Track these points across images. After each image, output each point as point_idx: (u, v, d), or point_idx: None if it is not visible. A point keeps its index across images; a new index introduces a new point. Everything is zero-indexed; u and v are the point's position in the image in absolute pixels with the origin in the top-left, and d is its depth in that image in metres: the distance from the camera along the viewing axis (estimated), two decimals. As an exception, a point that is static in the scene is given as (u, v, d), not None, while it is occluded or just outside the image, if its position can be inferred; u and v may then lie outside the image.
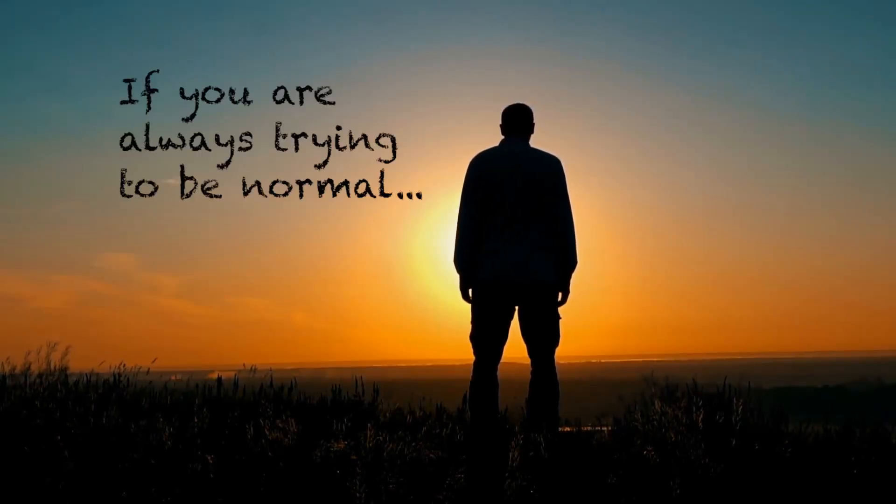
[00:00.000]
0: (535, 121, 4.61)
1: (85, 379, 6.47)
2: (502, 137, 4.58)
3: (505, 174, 4.39)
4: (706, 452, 3.89)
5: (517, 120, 4.58)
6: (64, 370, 6.73)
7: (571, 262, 4.45)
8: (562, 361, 4.63)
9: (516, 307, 4.47)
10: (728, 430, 4.20)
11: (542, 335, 4.45)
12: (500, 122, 4.61)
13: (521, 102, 4.63)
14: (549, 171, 4.43)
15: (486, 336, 4.45)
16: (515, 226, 4.36)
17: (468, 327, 4.54)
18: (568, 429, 4.85)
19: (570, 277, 4.48)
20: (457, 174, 4.58)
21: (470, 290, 4.50)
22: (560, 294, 4.49)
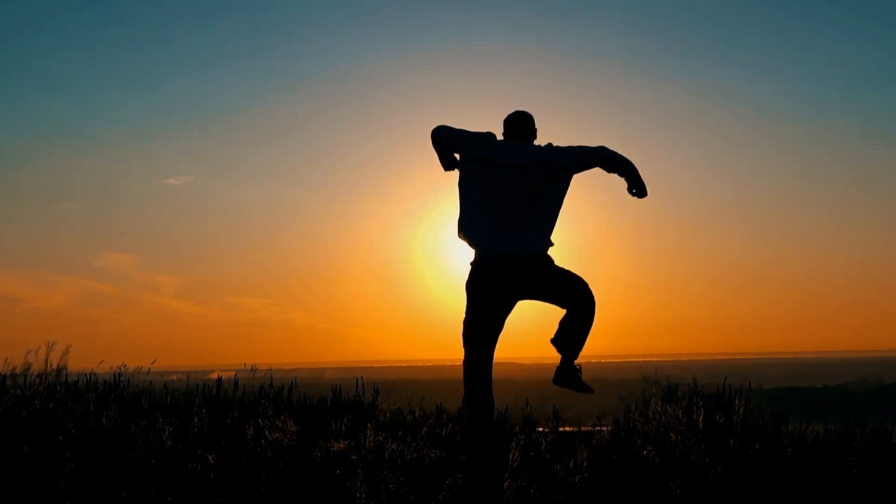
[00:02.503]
0: (536, 126, 4.61)
1: (85, 379, 6.46)
2: None
3: (504, 168, 4.40)
4: (706, 452, 3.89)
5: (517, 127, 4.60)
6: (63, 370, 6.73)
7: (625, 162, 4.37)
8: (562, 361, 4.62)
9: (513, 302, 4.44)
10: (728, 431, 4.20)
11: (568, 287, 4.35)
12: (497, 122, 4.63)
13: (521, 110, 4.65)
14: (551, 160, 4.42)
15: (480, 327, 4.40)
16: (510, 218, 4.36)
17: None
18: (568, 429, 4.85)
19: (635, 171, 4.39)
20: (456, 174, 4.57)
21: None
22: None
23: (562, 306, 4.39)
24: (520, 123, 4.61)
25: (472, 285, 4.44)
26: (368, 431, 3.91)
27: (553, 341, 4.31)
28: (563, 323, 4.36)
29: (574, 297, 4.37)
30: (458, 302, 4.59)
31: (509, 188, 4.43)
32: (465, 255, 4.65)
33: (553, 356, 4.55)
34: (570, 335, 4.32)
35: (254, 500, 3.55)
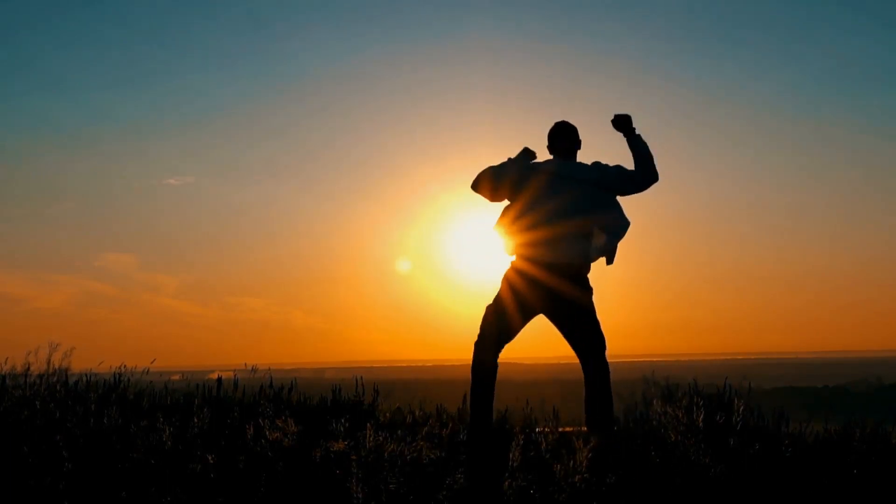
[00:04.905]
0: (580, 137, 4.65)
1: (85, 379, 6.46)
2: (549, 157, 4.65)
3: (549, 182, 4.45)
4: (706, 452, 3.89)
5: (560, 138, 4.64)
6: (64, 370, 6.73)
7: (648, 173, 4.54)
8: (563, 361, 4.63)
9: (539, 310, 4.45)
10: (728, 431, 4.20)
11: (590, 332, 4.42)
12: (496, 120, 4.69)
13: (564, 121, 4.67)
14: (595, 177, 4.49)
15: (501, 319, 4.43)
16: (558, 225, 4.41)
17: (465, 329, 4.54)
18: (568, 429, 4.85)
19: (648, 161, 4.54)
20: (456, 170, 4.61)
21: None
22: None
23: (572, 344, 4.42)
24: (565, 134, 4.63)
25: (509, 282, 4.47)
26: (368, 432, 3.91)
27: (588, 426, 4.34)
28: (588, 403, 4.38)
29: (590, 349, 4.39)
30: (457, 304, 4.64)
31: (573, 192, 4.46)
32: (463, 257, 4.67)
33: (553, 356, 4.56)
34: (598, 414, 4.34)
35: (254, 500, 3.55)
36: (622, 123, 4.58)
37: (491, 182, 4.55)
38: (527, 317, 4.45)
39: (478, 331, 4.47)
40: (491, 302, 4.48)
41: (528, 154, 4.63)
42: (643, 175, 4.50)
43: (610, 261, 4.49)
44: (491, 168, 4.57)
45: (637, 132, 4.55)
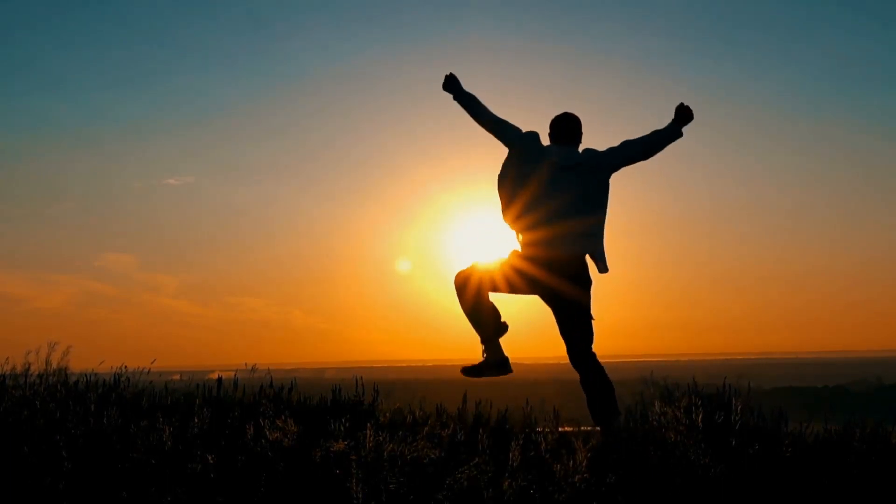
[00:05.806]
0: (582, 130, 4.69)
1: (85, 379, 6.46)
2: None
3: (550, 175, 4.49)
4: (706, 452, 3.89)
5: (563, 129, 4.67)
6: (64, 370, 6.73)
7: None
8: (563, 361, 4.63)
9: (535, 293, 4.52)
10: (728, 431, 4.20)
11: (584, 336, 4.50)
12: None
13: (569, 112, 4.70)
14: (594, 162, 4.53)
15: (502, 279, 4.49)
16: (561, 215, 4.45)
17: (466, 329, 4.55)
18: (568, 428, 4.85)
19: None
20: (456, 170, 4.62)
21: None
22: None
23: (566, 338, 4.48)
24: (567, 123, 4.66)
25: (508, 278, 4.51)
26: (368, 432, 3.91)
27: (595, 421, 4.42)
28: (590, 401, 4.46)
29: (586, 347, 4.45)
30: (457, 304, 4.60)
31: (572, 190, 4.48)
32: (463, 257, 4.69)
33: (553, 356, 4.58)
34: (602, 408, 4.42)
35: (254, 500, 3.55)
36: (684, 115, 4.63)
37: (504, 142, 4.60)
38: (523, 293, 4.56)
39: (473, 267, 4.55)
40: (502, 263, 4.53)
41: (452, 80, 4.67)
42: (643, 148, 4.58)
43: (601, 269, 4.53)
44: (515, 137, 4.60)
45: (682, 134, 4.62)
